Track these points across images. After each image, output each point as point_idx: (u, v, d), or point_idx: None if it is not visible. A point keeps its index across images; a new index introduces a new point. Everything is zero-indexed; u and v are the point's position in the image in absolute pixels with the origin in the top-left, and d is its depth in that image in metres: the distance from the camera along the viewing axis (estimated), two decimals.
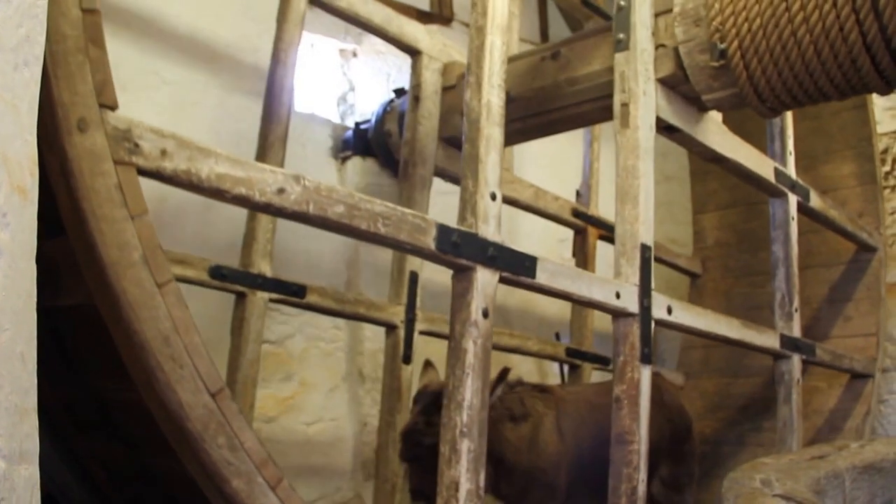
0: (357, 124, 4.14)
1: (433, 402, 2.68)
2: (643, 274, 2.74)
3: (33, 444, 1.20)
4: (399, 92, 3.99)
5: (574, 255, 4.38)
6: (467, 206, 2.33)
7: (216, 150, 1.80)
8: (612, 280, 2.69)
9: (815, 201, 3.73)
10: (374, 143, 4.00)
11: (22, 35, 1.25)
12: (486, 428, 2.25)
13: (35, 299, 1.27)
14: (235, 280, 2.96)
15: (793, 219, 3.51)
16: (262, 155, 3.09)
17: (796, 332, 3.43)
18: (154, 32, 3.68)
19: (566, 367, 4.33)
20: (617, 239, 2.79)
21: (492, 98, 2.38)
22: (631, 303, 2.69)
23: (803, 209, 3.65)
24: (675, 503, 3.33)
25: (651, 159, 2.83)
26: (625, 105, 2.83)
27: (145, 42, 3.64)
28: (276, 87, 3.12)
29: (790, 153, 3.61)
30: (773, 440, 3.91)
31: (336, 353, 4.16)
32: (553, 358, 4.19)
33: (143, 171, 1.70)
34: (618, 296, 2.66)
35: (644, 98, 2.83)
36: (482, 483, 2.21)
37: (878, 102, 4.42)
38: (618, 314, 2.70)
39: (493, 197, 2.34)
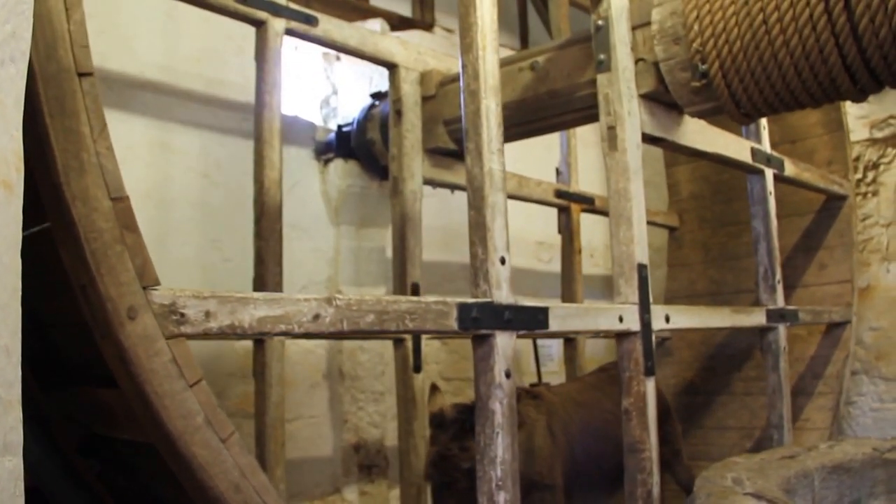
0: (340, 127, 4.14)
1: (461, 428, 2.88)
2: (641, 292, 2.89)
3: (17, 437, 1.21)
4: (376, 96, 3.98)
5: (560, 231, 4.52)
6: (479, 273, 2.42)
7: (253, 295, 1.88)
8: (614, 306, 2.84)
9: (790, 169, 3.87)
10: (358, 149, 4.02)
11: (8, 31, 1.25)
12: (518, 477, 2.44)
13: (20, 293, 1.26)
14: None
15: (770, 194, 3.66)
16: (260, 202, 3.13)
17: (780, 302, 3.64)
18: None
19: (557, 344, 4.54)
20: (614, 261, 2.92)
21: (493, 165, 2.44)
22: (633, 322, 2.85)
23: (780, 179, 3.79)
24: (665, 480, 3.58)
25: (640, 178, 2.92)
26: (612, 128, 2.89)
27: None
28: (265, 133, 3.12)
29: (764, 128, 3.72)
30: (760, 388, 4.21)
31: (316, 350, 4.26)
32: (547, 333, 4.38)
33: (191, 337, 1.78)
34: (621, 319, 2.82)
35: (630, 118, 2.90)
36: None
37: (850, 111, 4.51)
38: (622, 335, 2.87)
39: (503, 261, 2.44)
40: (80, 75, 1.66)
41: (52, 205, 1.65)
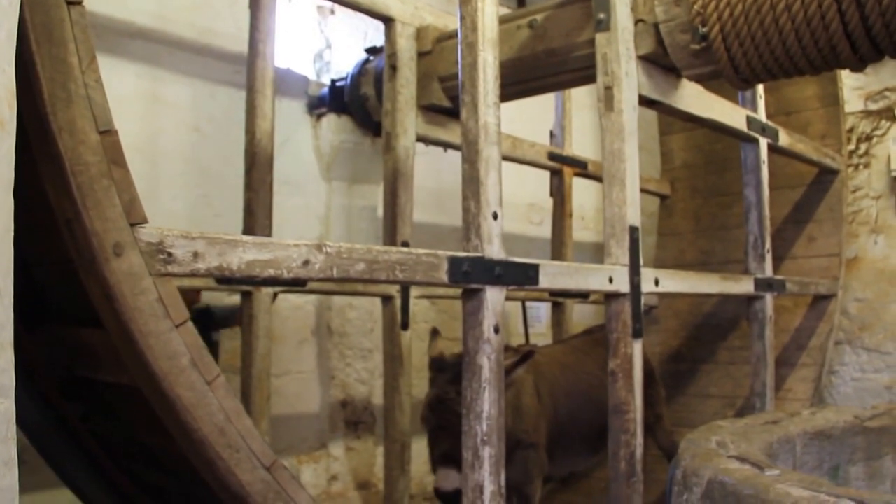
0: (333, 81, 4.09)
1: (460, 372, 2.86)
2: (632, 254, 2.88)
3: (8, 379, 1.19)
4: (371, 51, 3.92)
5: (551, 194, 4.50)
6: (471, 227, 2.41)
7: (242, 238, 1.85)
8: (604, 266, 2.83)
9: (784, 139, 3.86)
10: (351, 105, 3.98)
11: None
12: (504, 433, 2.44)
13: (12, 233, 1.24)
14: (242, 281, 3.03)
15: (764, 163, 3.65)
16: (251, 152, 3.09)
17: (768, 272, 3.65)
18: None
19: (545, 307, 4.54)
20: (606, 221, 2.90)
21: (488, 118, 2.41)
22: (622, 284, 2.85)
23: (773, 149, 3.78)
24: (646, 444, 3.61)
25: (635, 140, 2.90)
26: (608, 88, 2.86)
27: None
28: (257, 82, 3.08)
29: (760, 97, 3.70)
30: (744, 358, 4.24)
31: (305, 306, 4.25)
32: (539, 300, 4.40)
33: (179, 277, 1.76)
34: (611, 280, 2.81)
35: (627, 79, 2.87)
36: (503, 483, 2.43)
37: (846, 82, 4.49)
38: (611, 296, 2.86)
39: (495, 216, 2.42)
40: (69, 3, 1.61)
41: (38, 136, 1.61)
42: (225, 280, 2.88)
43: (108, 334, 1.83)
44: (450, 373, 2.90)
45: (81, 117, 1.61)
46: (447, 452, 2.84)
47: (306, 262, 1.96)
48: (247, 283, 3.00)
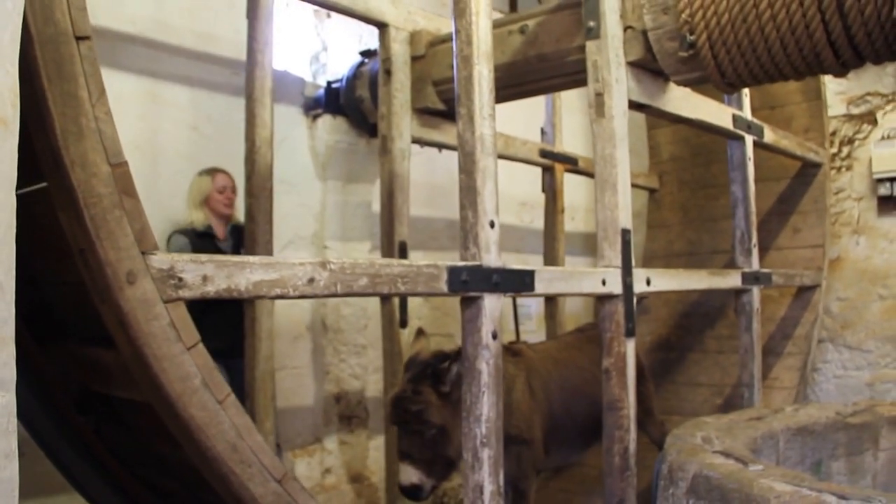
0: (329, 83, 4.13)
1: (422, 372, 2.92)
2: (624, 255, 2.95)
3: (10, 373, 1.21)
4: (366, 54, 3.96)
5: (543, 191, 4.57)
6: (469, 236, 2.47)
7: (249, 259, 1.91)
8: (597, 270, 2.91)
9: (769, 136, 3.93)
10: (347, 107, 4.03)
11: None
12: (503, 435, 2.53)
13: (14, 231, 1.25)
14: None
15: (749, 160, 3.72)
16: (251, 160, 3.14)
17: (755, 265, 3.74)
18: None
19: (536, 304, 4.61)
20: (598, 225, 2.97)
21: (484, 130, 2.47)
22: (615, 285, 2.92)
23: (759, 145, 3.86)
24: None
25: (626, 145, 2.96)
26: (599, 95, 2.92)
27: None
28: (256, 91, 3.12)
29: (746, 95, 3.76)
30: (731, 347, 4.34)
31: (301, 302, 4.29)
32: (533, 295, 4.47)
33: (189, 300, 1.82)
34: (604, 282, 2.89)
35: (617, 85, 2.93)
36: (502, 483, 2.52)
37: (829, 87, 4.56)
38: (604, 297, 2.94)
39: (492, 225, 2.49)
40: (78, 39, 1.65)
41: (51, 169, 1.66)
42: (235, 299, 2.93)
43: (121, 355, 1.89)
44: (412, 371, 2.96)
45: (93, 150, 1.66)
46: (403, 449, 2.91)
47: (311, 280, 2.02)
48: (255, 299, 3.06)
